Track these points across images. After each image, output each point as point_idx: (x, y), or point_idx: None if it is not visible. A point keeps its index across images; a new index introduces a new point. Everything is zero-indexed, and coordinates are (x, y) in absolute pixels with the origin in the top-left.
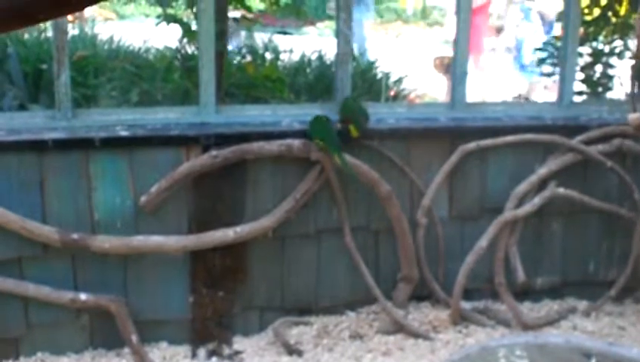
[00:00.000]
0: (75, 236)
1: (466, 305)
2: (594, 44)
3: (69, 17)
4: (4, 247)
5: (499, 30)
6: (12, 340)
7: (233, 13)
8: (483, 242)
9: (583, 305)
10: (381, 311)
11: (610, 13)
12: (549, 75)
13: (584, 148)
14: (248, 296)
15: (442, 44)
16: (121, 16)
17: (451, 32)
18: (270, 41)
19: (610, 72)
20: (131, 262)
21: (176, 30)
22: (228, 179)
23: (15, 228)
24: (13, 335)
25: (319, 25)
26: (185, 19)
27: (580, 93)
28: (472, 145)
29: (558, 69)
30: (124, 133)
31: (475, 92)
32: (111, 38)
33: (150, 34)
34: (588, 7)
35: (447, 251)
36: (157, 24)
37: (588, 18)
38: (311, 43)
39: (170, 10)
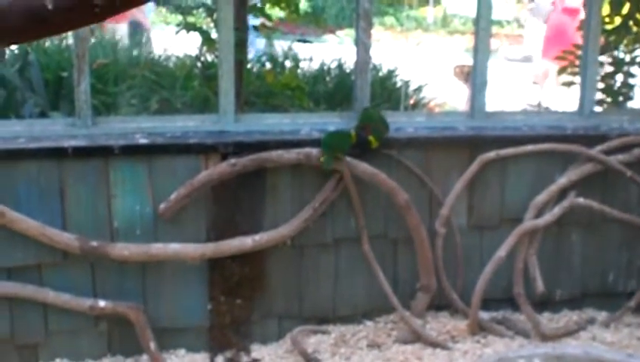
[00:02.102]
0: (94, 243)
1: (485, 315)
2: (615, 53)
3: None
4: (24, 254)
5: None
6: (32, 346)
7: (253, 22)
8: (502, 252)
9: (602, 316)
10: (399, 321)
11: (631, 22)
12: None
13: (604, 158)
14: (266, 304)
15: (464, 52)
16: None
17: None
18: (290, 49)
19: (631, 81)
20: (150, 270)
21: (196, 38)
22: (246, 187)
23: (35, 234)
24: (32, 342)
25: (339, 33)
26: (205, 28)
27: (601, 102)
28: (491, 154)
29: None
30: (143, 141)
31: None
32: (132, 46)
33: (170, 42)
34: (609, 15)
35: (466, 261)
36: (177, 32)
37: (609, 27)
38: (331, 51)
39: (190, 19)
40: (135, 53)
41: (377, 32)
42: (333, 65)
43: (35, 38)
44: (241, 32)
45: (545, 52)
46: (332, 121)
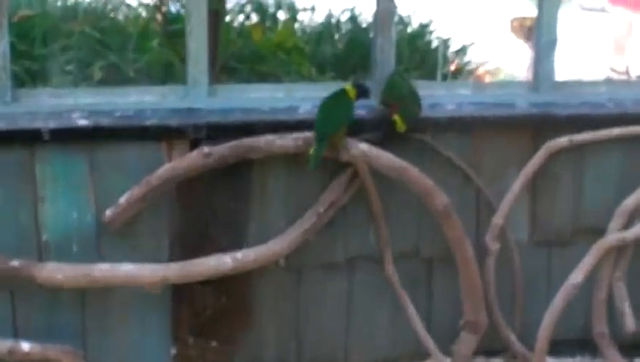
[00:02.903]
0: (15, 263)
1: None
2: None
3: None
4: None
5: None
6: None
7: None
8: (577, 276)
9: None
10: None
11: None
12: None
13: None
14: (252, 348)
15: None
16: None
17: None
18: None
19: None
20: (92, 300)
21: None
22: (225, 185)
23: None
24: None
25: None
26: None
27: None
28: (562, 140)
29: None
30: (82, 123)
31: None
32: None
33: None
34: None
35: (528, 288)
36: None
37: None
38: None
39: None
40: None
41: None
42: (344, 17)
43: None
44: None
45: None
46: None
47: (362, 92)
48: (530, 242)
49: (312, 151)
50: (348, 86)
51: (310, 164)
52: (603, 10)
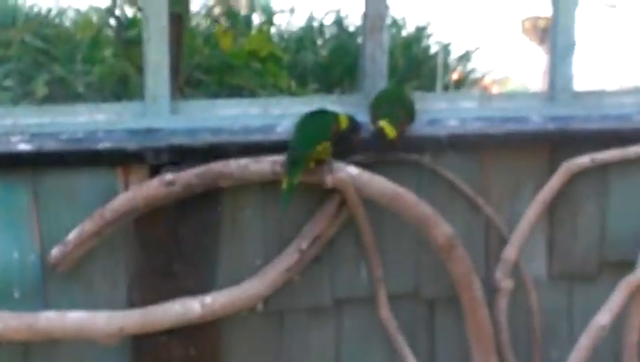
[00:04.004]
0: None
1: None
2: None
3: None
4: None
5: None
6: None
7: None
8: (604, 316)
9: None
10: None
11: None
12: None
13: None
14: None
15: None
16: None
17: None
18: None
19: None
20: (36, 354)
21: None
22: (191, 217)
23: None
24: None
25: None
26: None
27: None
28: (583, 159)
29: None
30: (24, 147)
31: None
32: None
33: None
34: None
35: (547, 330)
36: None
37: None
38: None
39: None
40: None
41: None
42: (328, 20)
43: None
44: None
45: None
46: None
47: (354, 128)
48: (549, 277)
49: (284, 182)
50: (343, 115)
51: (282, 199)
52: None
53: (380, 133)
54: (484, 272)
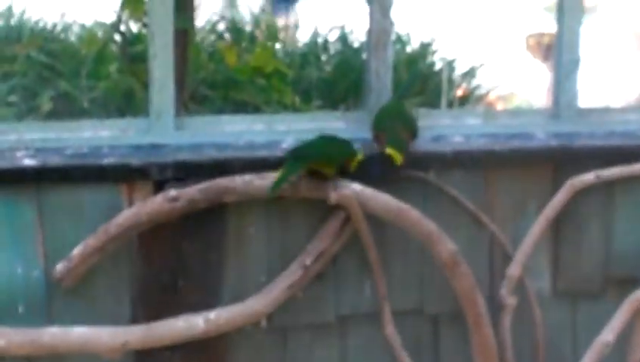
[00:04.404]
0: None
1: None
2: None
3: None
4: None
5: None
6: None
7: None
8: (608, 334)
9: None
10: None
11: None
12: None
13: None
14: None
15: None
16: None
17: None
18: (263, 11)
19: None
20: None
21: None
22: (195, 233)
23: None
24: None
25: None
26: None
27: None
28: (588, 176)
29: None
30: (28, 163)
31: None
32: (9, 10)
33: (71, 3)
34: None
35: (550, 347)
36: None
37: None
38: (329, 13)
39: None
40: (13, 21)
41: None
42: (333, 36)
43: None
44: None
45: None
46: (331, 127)
47: (361, 173)
48: (553, 294)
49: (279, 172)
50: (360, 155)
51: (271, 187)
52: None
53: (387, 159)
54: (489, 289)
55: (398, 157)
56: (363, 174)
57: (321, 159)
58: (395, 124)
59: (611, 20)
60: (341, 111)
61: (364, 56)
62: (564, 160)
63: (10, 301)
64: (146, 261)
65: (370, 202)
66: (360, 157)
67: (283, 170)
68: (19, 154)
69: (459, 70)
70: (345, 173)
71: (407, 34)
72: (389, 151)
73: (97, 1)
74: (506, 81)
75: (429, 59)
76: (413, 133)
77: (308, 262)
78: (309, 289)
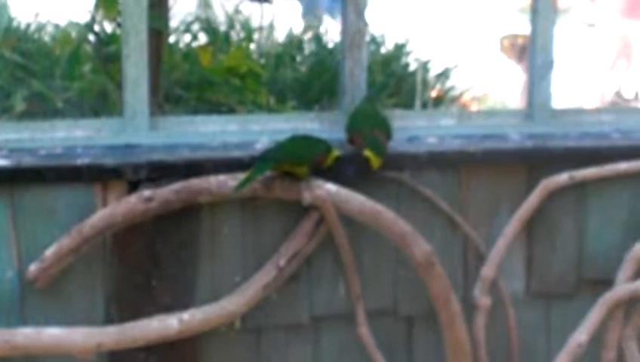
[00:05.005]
0: None
1: None
2: None
3: None
4: None
5: None
6: None
7: None
8: (582, 334)
9: None
10: None
11: None
12: None
13: None
14: None
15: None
16: None
17: None
18: (237, 11)
19: None
20: None
21: None
22: (169, 233)
23: None
24: None
25: None
26: None
27: None
28: (562, 177)
29: None
30: (2, 163)
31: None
32: None
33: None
34: None
35: (524, 349)
36: None
37: None
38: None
39: None
40: None
41: None
42: (307, 36)
43: None
44: None
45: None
46: (305, 127)
47: (338, 169)
48: (527, 294)
49: (247, 173)
50: (336, 151)
51: (236, 186)
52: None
53: (364, 161)
54: (463, 289)
55: (376, 161)
56: (337, 175)
57: (291, 160)
58: (370, 125)
59: (586, 22)
60: (316, 112)
61: (339, 56)
62: (538, 161)
63: None
64: (120, 261)
65: (345, 203)
66: (336, 153)
67: (251, 170)
68: None
69: (433, 71)
70: (321, 171)
71: (382, 34)
72: (367, 153)
73: (71, 1)
74: (480, 82)
75: (404, 60)
76: (387, 134)
77: (282, 262)
78: (283, 290)
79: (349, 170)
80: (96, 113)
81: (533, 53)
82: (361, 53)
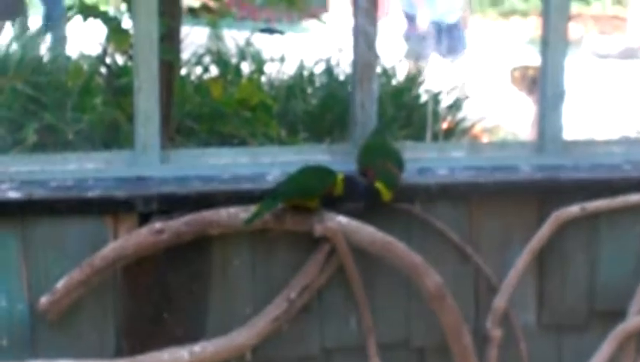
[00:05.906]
0: None
1: None
2: None
3: None
4: None
5: None
6: None
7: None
8: None
9: None
10: None
11: None
12: None
13: None
14: None
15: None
16: None
17: None
18: (249, 44)
19: None
20: None
21: (97, 28)
22: (180, 266)
23: None
24: None
25: (326, 18)
26: (111, 12)
27: None
28: (573, 209)
29: None
30: (13, 195)
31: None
32: None
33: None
34: None
35: None
36: (69, 19)
37: None
38: (314, 46)
39: None
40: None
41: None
42: (318, 68)
43: None
44: (171, 18)
45: None
46: (316, 159)
47: (347, 196)
48: (538, 327)
49: (255, 208)
50: (341, 178)
51: (245, 220)
52: (633, 54)
53: (375, 193)
54: (474, 321)
55: (387, 194)
56: (348, 207)
57: (300, 195)
58: (381, 157)
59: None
60: (327, 144)
61: (349, 88)
62: (549, 192)
63: None
64: (130, 293)
65: (356, 234)
66: (341, 176)
67: (260, 205)
68: (3, 186)
69: (444, 103)
70: (334, 200)
71: (393, 66)
72: (378, 186)
73: (83, 33)
74: (491, 113)
75: (415, 91)
76: (400, 166)
77: (293, 295)
78: (294, 322)
79: (361, 202)
80: (107, 145)
81: (543, 85)
82: (371, 85)
